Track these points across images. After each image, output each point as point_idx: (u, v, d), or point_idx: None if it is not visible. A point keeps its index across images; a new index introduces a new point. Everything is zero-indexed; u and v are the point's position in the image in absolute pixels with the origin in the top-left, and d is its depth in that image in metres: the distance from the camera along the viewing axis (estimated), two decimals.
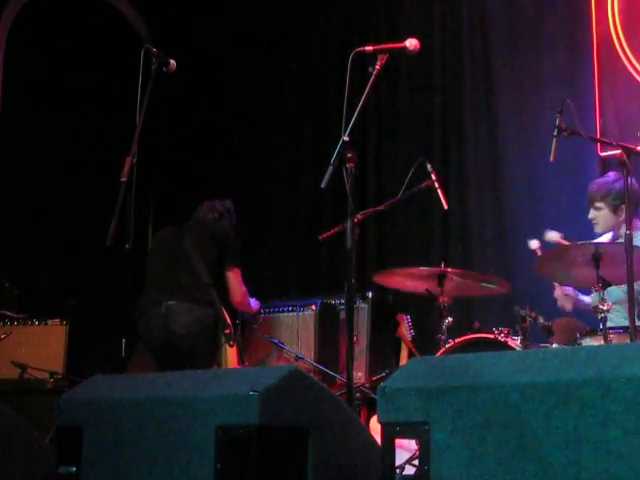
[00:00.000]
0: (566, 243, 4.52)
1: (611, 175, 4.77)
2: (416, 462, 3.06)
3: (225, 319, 4.79)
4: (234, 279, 4.96)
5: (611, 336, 3.94)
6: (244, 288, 5.02)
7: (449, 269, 4.61)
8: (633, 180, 4.31)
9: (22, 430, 3.03)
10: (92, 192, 6.33)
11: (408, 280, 4.76)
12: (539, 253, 4.58)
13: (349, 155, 3.40)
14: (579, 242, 4.29)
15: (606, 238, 4.75)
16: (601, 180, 4.77)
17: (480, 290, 4.77)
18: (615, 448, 1.87)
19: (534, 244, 4.66)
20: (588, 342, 4.09)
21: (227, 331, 4.78)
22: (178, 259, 4.90)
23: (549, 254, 4.40)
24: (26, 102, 6.58)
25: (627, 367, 1.93)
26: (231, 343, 4.84)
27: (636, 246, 3.81)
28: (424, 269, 4.64)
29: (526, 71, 6.03)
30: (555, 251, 4.40)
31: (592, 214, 4.73)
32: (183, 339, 4.70)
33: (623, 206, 4.54)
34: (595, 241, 4.56)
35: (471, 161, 6.21)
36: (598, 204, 4.66)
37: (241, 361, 4.97)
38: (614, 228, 4.68)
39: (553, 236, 4.65)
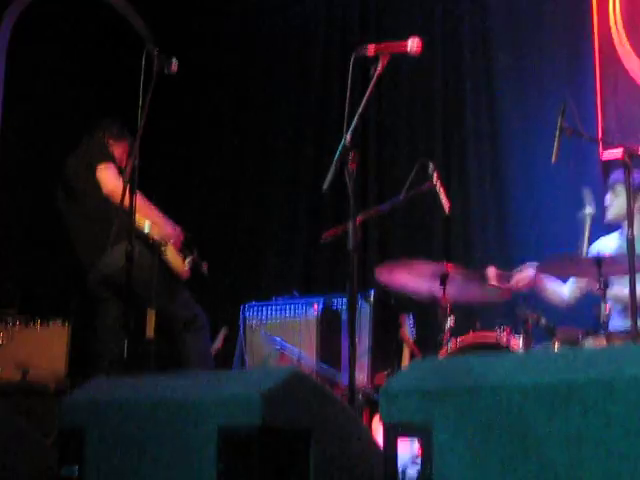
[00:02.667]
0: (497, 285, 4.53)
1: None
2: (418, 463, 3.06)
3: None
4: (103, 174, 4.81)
5: (613, 338, 3.95)
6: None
7: (451, 268, 4.59)
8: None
9: (24, 432, 3.03)
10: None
11: (410, 276, 4.73)
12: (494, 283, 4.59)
13: (350, 156, 3.40)
14: (581, 254, 4.28)
15: (614, 238, 4.75)
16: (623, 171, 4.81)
17: (482, 294, 4.75)
18: (617, 449, 1.87)
19: (491, 272, 4.67)
20: (590, 343, 4.10)
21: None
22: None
23: (550, 260, 4.38)
24: (26, 103, 6.59)
25: (630, 368, 1.93)
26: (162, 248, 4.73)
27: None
28: (426, 265, 4.62)
29: (527, 72, 6.03)
30: (557, 256, 4.39)
31: (609, 199, 4.73)
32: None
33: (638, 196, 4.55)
34: (595, 254, 4.54)
35: (472, 161, 6.21)
36: (620, 188, 4.64)
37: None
38: (625, 218, 4.68)
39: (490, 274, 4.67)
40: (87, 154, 4.96)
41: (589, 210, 4.48)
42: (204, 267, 5.03)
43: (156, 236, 4.75)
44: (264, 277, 6.60)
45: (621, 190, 4.62)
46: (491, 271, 4.72)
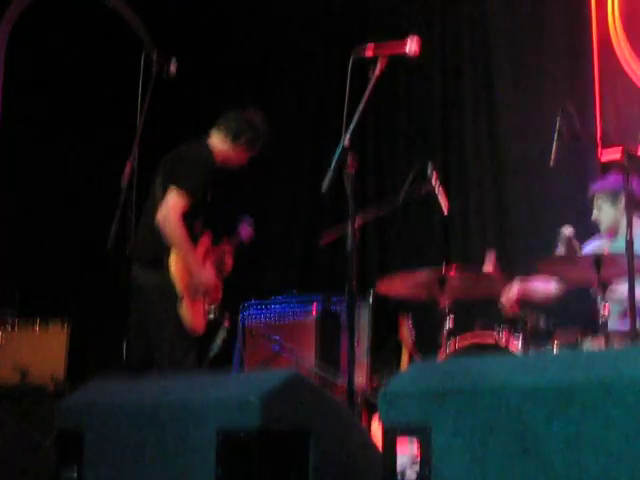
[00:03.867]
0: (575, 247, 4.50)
1: (609, 176, 4.85)
2: (417, 465, 3.06)
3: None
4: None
5: (612, 339, 3.96)
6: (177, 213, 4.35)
7: (450, 271, 4.59)
8: (635, 180, 4.35)
9: (23, 433, 3.03)
10: (93, 195, 6.33)
11: (408, 286, 4.74)
12: (572, 242, 4.54)
13: (349, 159, 3.40)
14: (583, 255, 4.29)
15: (606, 242, 4.77)
16: (600, 181, 4.87)
17: (483, 290, 4.75)
18: (616, 451, 1.88)
19: (568, 231, 4.62)
20: (589, 345, 4.10)
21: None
22: None
23: (549, 261, 4.40)
24: (26, 105, 6.58)
25: (628, 370, 1.93)
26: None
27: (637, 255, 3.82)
28: (425, 273, 4.62)
29: (526, 74, 6.03)
30: (555, 258, 4.40)
31: (595, 214, 4.79)
32: None
33: (621, 196, 4.61)
34: (596, 244, 4.57)
35: (471, 163, 6.21)
36: (598, 202, 4.73)
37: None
38: (615, 224, 4.71)
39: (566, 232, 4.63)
40: (177, 163, 4.55)
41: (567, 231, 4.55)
42: (226, 324, 4.78)
43: (180, 283, 4.34)
44: (263, 280, 6.59)
45: (601, 202, 4.73)
46: (490, 257, 4.70)
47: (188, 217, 4.38)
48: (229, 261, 4.84)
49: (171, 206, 4.33)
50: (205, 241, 4.66)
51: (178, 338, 4.39)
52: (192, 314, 4.43)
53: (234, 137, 4.72)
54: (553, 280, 4.81)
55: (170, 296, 4.34)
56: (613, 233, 4.79)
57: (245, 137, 4.74)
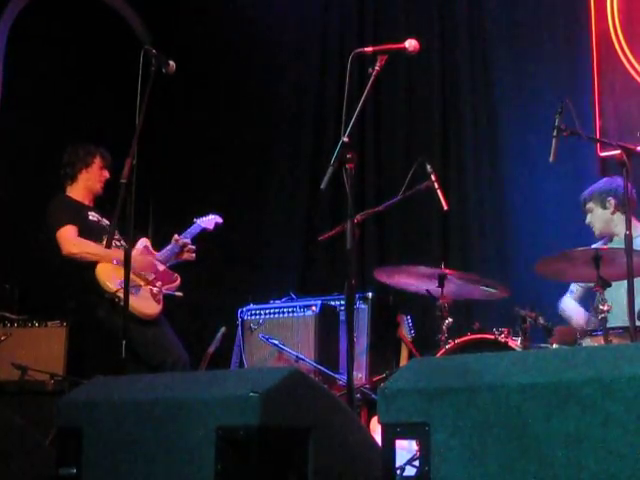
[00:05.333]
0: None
1: (599, 181, 4.93)
2: (416, 463, 3.06)
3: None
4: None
5: (611, 337, 3.95)
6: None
7: (449, 269, 4.60)
8: (618, 179, 4.39)
9: (22, 432, 3.03)
10: None
11: (408, 279, 4.75)
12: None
13: (348, 156, 3.40)
14: (580, 248, 4.29)
15: (602, 243, 4.78)
16: (588, 187, 4.88)
17: (480, 294, 4.75)
18: (615, 448, 1.88)
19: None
20: (588, 343, 4.10)
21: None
22: None
23: (548, 259, 4.39)
24: (25, 103, 6.58)
25: (627, 367, 1.93)
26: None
27: (636, 250, 3.82)
28: (424, 269, 4.63)
29: (525, 71, 6.03)
30: (555, 256, 4.39)
31: (587, 219, 4.83)
32: None
33: (609, 198, 4.64)
34: (594, 246, 4.58)
35: (470, 161, 6.21)
36: (588, 205, 4.78)
37: None
38: (609, 226, 4.73)
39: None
40: (49, 214, 5.05)
41: None
42: (177, 295, 5.06)
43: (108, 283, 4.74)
44: (262, 278, 6.59)
45: (591, 206, 4.78)
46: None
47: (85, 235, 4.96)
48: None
49: (63, 244, 4.95)
50: (142, 242, 5.14)
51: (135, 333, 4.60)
52: (139, 302, 4.77)
53: (71, 178, 5.20)
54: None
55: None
56: (608, 237, 4.79)
57: (74, 169, 5.19)
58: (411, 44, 3.69)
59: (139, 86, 3.95)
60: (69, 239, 4.92)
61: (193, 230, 5.25)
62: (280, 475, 2.29)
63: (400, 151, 6.44)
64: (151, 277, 4.99)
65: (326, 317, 5.31)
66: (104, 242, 4.76)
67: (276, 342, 5.23)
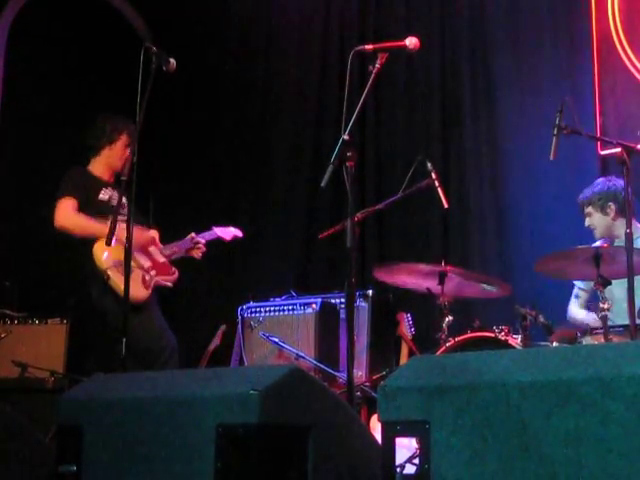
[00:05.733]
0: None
1: (596, 181, 4.92)
2: (416, 461, 3.06)
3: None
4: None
5: (611, 335, 3.95)
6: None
7: (449, 267, 4.60)
8: (620, 181, 4.38)
9: (22, 429, 3.03)
10: None
11: (408, 276, 4.75)
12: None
13: (349, 154, 3.40)
14: (580, 246, 4.29)
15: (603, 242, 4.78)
16: (586, 189, 4.88)
17: (480, 292, 4.75)
18: (615, 447, 1.88)
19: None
20: (588, 341, 4.10)
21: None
22: None
23: (549, 257, 4.39)
24: (25, 101, 6.58)
25: (627, 366, 1.93)
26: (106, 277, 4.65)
27: (637, 248, 3.82)
28: (424, 266, 4.63)
29: (526, 69, 6.03)
30: (556, 253, 4.40)
31: (587, 222, 4.83)
32: None
33: (609, 204, 4.63)
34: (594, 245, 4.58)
35: (471, 159, 6.20)
36: (587, 209, 4.78)
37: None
38: (609, 229, 4.72)
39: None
40: (58, 184, 4.95)
41: None
42: (166, 284, 4.97)
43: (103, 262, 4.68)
44: (263, 276, 6.59)
45: (590, 210, 4.76)
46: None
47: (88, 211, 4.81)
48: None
49: (57, 214, 4.82)
50: (151, 233, 5.06)
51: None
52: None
53: (96, 151, 5.05)
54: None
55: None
56: (610, 240, 4.79)
57: (100, 142, 5.04)
58: (412, 42, 3.69)
59: (139, 84, 3.95)
60: (63, 211, 4.80)
61: (209, 235, 5.22)
62: (280, 473, 2.29)
63: (400, 149, 6.43)
64: (147, 265, 4.93)
65: (326, 315, 5.31)
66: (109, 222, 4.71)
67: (276, 340, 5.23)
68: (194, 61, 6.50)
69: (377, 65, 3.59)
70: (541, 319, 4.31)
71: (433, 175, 4.82)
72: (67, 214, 4.79)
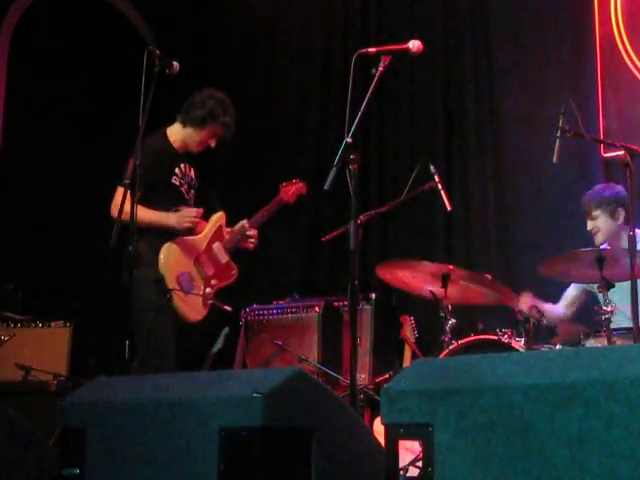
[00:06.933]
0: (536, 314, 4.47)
1: (599, 186, 4.88)
2: (420, 464, 3.06)
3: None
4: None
5: (615, 338, 3.95)
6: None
7: (453, 267, 4.58)
8: (620, 187, 4.39)
9: (26, 432, 3.03)
10: (96, 194, 6.33)
11: (411, 275, 4.72)
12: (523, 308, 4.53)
13: (352, 157, 3.40)
14: (583, 249, 4.29)
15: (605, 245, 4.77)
16: (590, 192, 4.84)
17: (483, 298, 4.73)
18: (619, 449, 1.87)
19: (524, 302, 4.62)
20: (592, 343, 4.10)
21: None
22: None
23: (552, 260, 4.39)
24: (28, 104, 6.59)
25: (631, 368, 1.93)
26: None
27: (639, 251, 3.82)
28: (427, 264, 4.61)
29: (529, 71, 6.03)
30: (558, 256, 4.39)
31: (590, 225, 4.76)
32: None
33: (620, 209, 4.61)
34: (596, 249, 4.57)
35: (474, 162, 6.20)
36: (594, 213, 4.72)
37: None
38: (613, 235, 4.70)
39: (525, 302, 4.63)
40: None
41: None
42: (226, 308, 4.78)
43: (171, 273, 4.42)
44: (266, 279, 6.59)
45: (598, 213, 4.71)
46: (526, 297, 4.68)
47: (157, 201, 4.50)
48: (251, 236, 4.91)
49: (113, 202, 4.45)
50: (217, 220, 4.85)
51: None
52: (185, 303, 4.52)
53: (184, 121, 4.75)
54: (565, 301, 4.86)
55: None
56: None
57: (194, 117, 4.73)
58: (414, 45, 3.69)
59: (143, 87, 3.96)
60: (116, 201, 4.32)
61: (271, 208, 5.06)
62: (283, 475, 2.29)
63: (403, 152, 6.44)
64: (210, 272, 4.71)
65: (329, 318, 5.32)
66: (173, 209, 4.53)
67: (279, 343, 5.23)
68: (196, 63, 6.50)
69: (380, 68, 3.60)
70: (544, 321, 4.31)
71: (436, 178, 4.82)
72: (117, 204, 4.20)
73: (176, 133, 4.77)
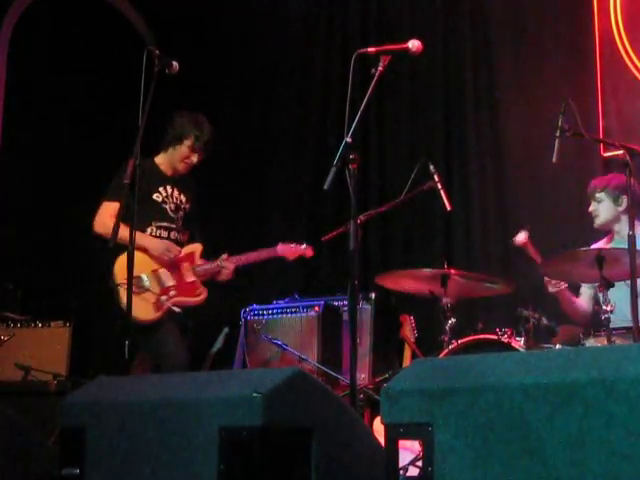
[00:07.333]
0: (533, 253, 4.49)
1: (610, 175, 4.93)
2: (419, 463, 3.06)
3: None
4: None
5: (614, 337, 3.95)
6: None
7: (452, 270, 4.61)
8: (634, 180, 4.37)
9: (25, 432, 3.03)
10: (95, 194, 6.33)
11: (411, 282, 4.76)
12: (527, 245, 4.58)
13: (352, 156, 3.40)
14: (583, 249, 4.29)
15: (604, 243, 4.77)
16: (600, 177, 4.91)
17: (484, 291, 4.76)
18: (619, 449, 1.87)
19: (521, 237, 4.66)
20: (591, 343, 4.10)
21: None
22: None
23: (552, 259, 4.39)
24: (28, 104, 6.59)
25: (631, 368, 1.93)
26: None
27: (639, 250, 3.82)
28: (427, 271, 4.63)
29: (528, 71, 6.02)
30: (558, 256, 4.39)
31: (592, 206, 4.81)
32: None
33: (623, 197, 4.62)
34: (595, 247, 4.58)
35: (473, 162, 6.20)
36: (598, 195, 4.76)
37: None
38: (613, 221, 4.72)
39: (521, 238, 4.66)
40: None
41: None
42: (174, 309, 4.83)
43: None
44: (265, 279, 6.58)
45: (602, 196, 4.74)
46: (522, 235, 4.70)
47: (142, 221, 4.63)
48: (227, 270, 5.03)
49: (97, 217, 4.88)
50: (192, 247, 5.02)
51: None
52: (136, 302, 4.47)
53: (165, 146, 5.04)
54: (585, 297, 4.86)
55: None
56: (611, 234, 4.79)
57: (170, 138, 5.02)
58: (414, 45, 3.69)
59: (142, 86, 3.96)
60: (99, 217, 4.85)
61: (260, 256, 5.19)
62: (283, 475, 2.29)
63: (403, 151, 6.43)
64: (169, 283, 4.84)
65: (329, 317, 5.31)
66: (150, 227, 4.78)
67: (279, 342, 5.23)
68: (196, 63, 6.50)
69: (379, 68, 3.60)
70: (544, 321, 4.31)
71: (436, 177, 4.83)
72: (101, 221, 4.81)
73: (162, 158, 5.05)
